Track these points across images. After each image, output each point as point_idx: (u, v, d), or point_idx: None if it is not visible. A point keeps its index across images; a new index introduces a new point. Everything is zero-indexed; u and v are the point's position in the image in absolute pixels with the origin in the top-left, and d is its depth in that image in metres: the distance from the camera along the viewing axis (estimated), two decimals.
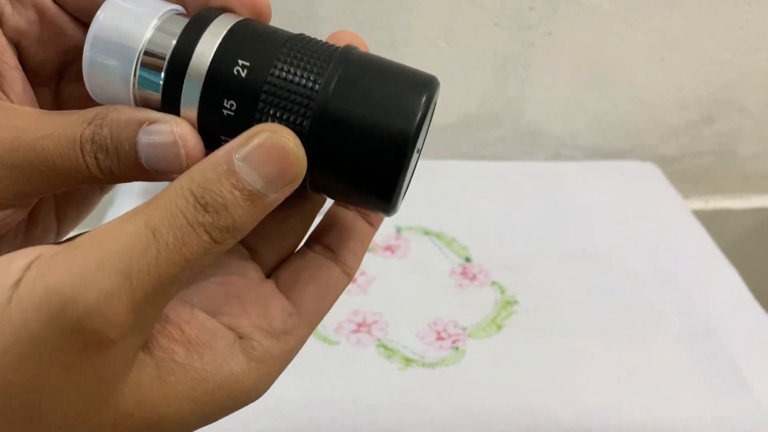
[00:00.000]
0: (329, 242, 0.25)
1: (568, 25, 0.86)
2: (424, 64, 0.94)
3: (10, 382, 0.17)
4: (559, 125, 0.97)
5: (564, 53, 0.89)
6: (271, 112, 0.20)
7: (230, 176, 0.18)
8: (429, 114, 0.21)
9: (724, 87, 0.95)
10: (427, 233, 0.80)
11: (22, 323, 0.17)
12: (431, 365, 0.63)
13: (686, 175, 1.05)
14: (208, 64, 0.20)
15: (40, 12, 0.24)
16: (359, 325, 0.67)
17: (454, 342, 0.65)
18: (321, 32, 0.22)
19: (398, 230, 0.80)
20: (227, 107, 0.20)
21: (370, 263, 0.75)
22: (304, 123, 0.20)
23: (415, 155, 0.21)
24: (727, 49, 0.91)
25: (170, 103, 0.21)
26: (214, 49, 0.20)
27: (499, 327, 0.67)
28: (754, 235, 1.11)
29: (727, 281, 0.74)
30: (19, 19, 0.23)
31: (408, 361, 0.63)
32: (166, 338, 0.20)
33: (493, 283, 0.73)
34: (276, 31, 0.22)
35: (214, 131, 0.21)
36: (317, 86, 0.20)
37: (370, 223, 0.25)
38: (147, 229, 0.18)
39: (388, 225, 0.81)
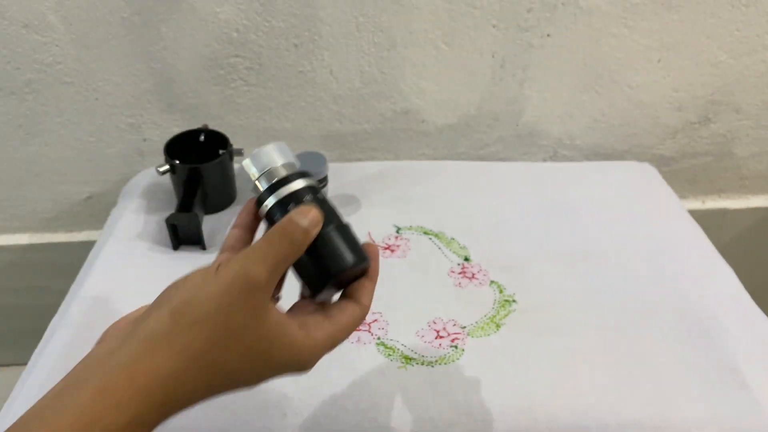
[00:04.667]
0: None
1: (565, 26, 0.87)
2: (423, 65, 0.95)
3: (223, 323, 0.34)
4: (557, 126, 0.98)
5: (562, 54, 0.90)
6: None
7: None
8: None
9: (720, 88, 0.95)
10: (426, 233, 0.80)
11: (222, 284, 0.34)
12: (430, 364, 0.63)
13: (683, 175, 1.05)
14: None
15: None
16: None
17: (453, 341, 0.66)
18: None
19: (398, 230, 0.81)
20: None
21: None
22: None
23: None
24: (724, 50, 0.91)
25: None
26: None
27: (498, 326, 0.68)
28: (751, 235, 1.12)
29: (724, 281, 0.74)
30: None
31: (407, 359, 0.64)
32: (293, 315, 0.38)
33: (492, 282, 0.73)
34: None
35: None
36: None
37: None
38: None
39: (388, 225, 0.81)
